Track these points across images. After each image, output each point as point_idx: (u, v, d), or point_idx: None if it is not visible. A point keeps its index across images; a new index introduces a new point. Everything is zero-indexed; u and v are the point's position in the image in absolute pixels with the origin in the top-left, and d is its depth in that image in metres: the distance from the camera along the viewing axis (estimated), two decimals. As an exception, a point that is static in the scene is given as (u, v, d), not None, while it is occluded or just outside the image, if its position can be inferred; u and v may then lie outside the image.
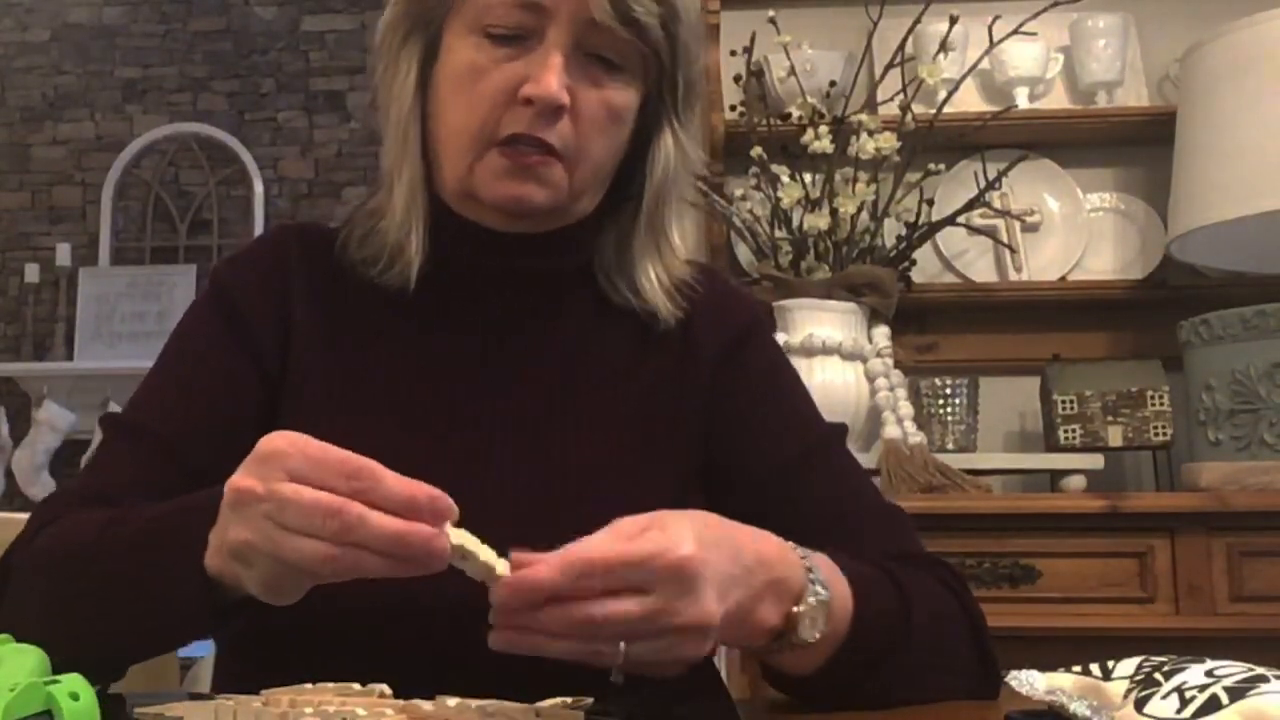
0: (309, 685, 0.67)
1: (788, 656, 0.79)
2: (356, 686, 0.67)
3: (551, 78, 0.86)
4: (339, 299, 0.96)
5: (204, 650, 1.06)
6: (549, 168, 0.89)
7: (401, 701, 0.64)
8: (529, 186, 0.89)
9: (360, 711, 0.59)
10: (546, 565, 0.65)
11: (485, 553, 0.66)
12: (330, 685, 0.67)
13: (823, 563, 0.79)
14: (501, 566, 0.66)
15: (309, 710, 0.59)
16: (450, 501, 0.64)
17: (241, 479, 0.67)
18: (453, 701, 0.64)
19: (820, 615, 0.77)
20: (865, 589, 0.82)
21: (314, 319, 0.95)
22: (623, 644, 0.67)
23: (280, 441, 0.66)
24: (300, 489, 0.64)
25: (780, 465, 0.96)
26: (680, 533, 0.69)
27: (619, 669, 0.68)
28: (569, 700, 0.68)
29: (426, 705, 0.63)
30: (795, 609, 0.76)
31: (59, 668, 0.67)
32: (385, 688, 0.67)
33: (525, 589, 0.65)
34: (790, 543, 0.79)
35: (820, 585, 0.77)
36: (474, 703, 0.64)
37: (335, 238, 0.98)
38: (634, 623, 0.66)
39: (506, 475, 0.90)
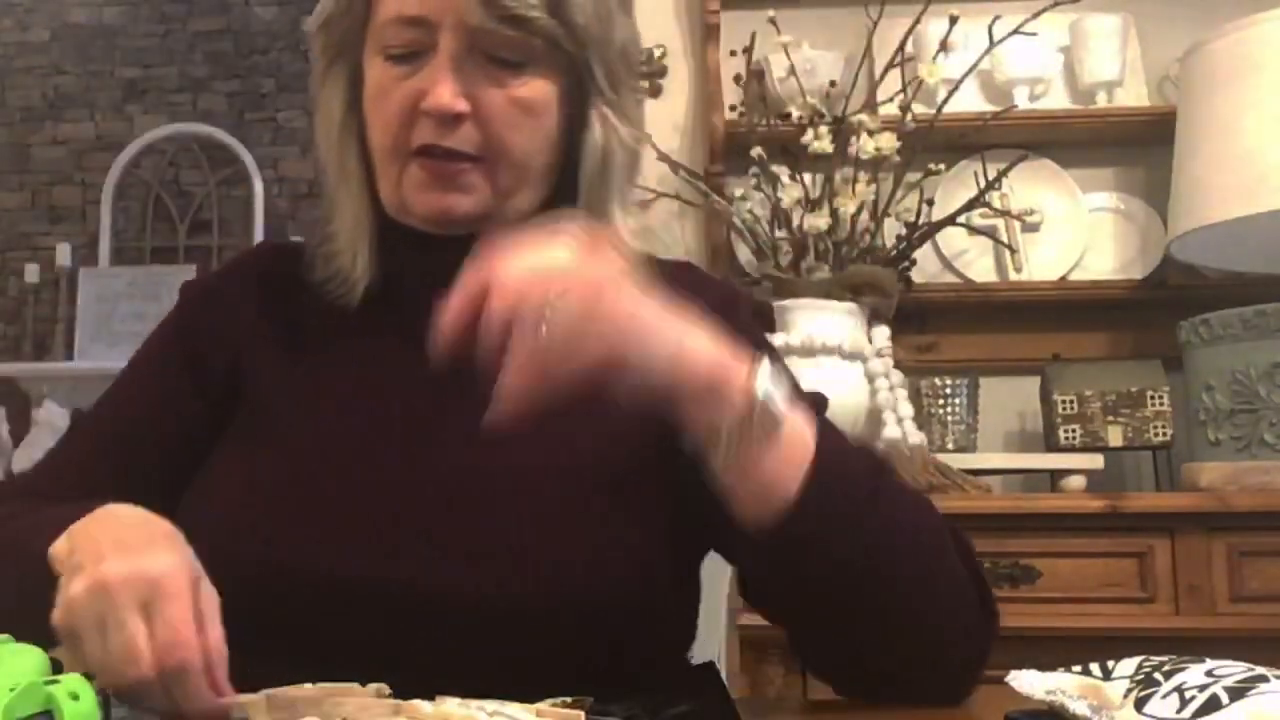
0: (309, 685, 0.67)
1: (753, 460, 0.75)
2: (356, 687, 0.67)
3: (442, 89, 0.88)
4: (301, 319, 0.98)
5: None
6: (468, 175, 0.90)
7: (401, 701, 0.64)
8: (452, 197, 0.91)
9: (360, 712, 0.59)
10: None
11: None
12: (330, 685, 0.67)
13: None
14: None
15: (309, 711, 0.59)
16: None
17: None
18: (453, 702, 0.64)
19: (778, 393, 0.74)
20: (826, 430, 0.79)
21: (274, 339, 0.97)
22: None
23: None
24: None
25: None
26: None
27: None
28: (569, 700, 0.68)
29: (426, 705, 0.63)
30: (751, 364, 0.74)
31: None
32: (385, 687, 0.67)
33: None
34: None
35: (770, 381, 0.74)
36: (474, 703, 0.64)
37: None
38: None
39: (452, 485, 0.87)
